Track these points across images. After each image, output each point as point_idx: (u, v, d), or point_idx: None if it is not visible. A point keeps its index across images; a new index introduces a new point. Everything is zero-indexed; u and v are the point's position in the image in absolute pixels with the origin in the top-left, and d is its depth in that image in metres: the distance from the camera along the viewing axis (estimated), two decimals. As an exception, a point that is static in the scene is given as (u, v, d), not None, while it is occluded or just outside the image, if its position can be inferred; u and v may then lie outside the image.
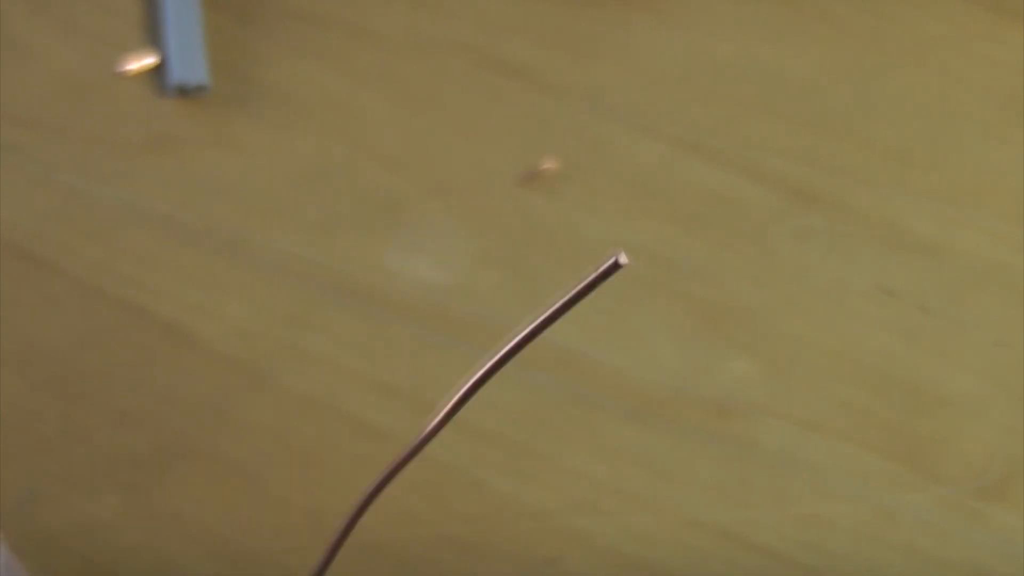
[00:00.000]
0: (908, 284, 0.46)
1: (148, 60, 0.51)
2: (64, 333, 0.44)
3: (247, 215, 0.47)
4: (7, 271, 0.45)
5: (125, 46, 0.51)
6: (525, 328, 0.28)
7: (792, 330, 0.45)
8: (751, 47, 0.53)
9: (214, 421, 0.42)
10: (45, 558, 0.39)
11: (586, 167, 0.49)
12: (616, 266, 0.26)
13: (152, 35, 0.52)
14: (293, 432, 0.42)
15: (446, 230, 0.47)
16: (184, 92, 0.50)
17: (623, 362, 0.44)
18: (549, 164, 0.49)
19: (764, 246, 0.47)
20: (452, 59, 0.52)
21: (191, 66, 0.50)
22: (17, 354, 0.43)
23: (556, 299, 0.28)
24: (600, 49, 0.53)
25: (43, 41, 0.52)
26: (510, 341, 0.28)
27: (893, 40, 0.54)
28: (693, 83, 0.52)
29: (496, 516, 0.41)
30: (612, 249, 0.26)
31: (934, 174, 0.50)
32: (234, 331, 0.44)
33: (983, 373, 0.44)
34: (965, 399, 0.44)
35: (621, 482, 0.41)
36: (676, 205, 0.48)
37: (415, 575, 0.40)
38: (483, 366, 0.28)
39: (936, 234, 0.48)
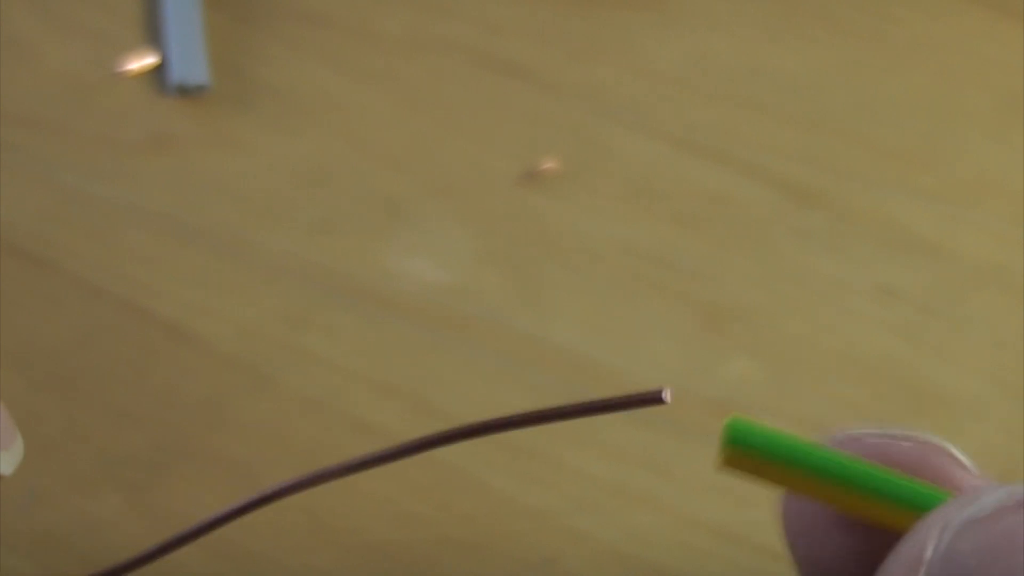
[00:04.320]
0: (908, 284, 0.46)
1: (148, 60, 0.51)
2: (64, 333, 0.44)
3: (247, 215, 0.47)
4: (7, 271, 0.45)
5: (125, 46, 0.51)
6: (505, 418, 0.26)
7: (792, 330, 0.45)
8: (751, 47, 0.53)
9: (214, 421, 0.42)
10: (45, 558, 0.39)
11: (586, 167, 0.49)
12: (659, 399, 0.25)
13: (152, 35, 0.52)
14: (293, 432, 0.42)
15: (446, 230, 0.47)
16: (184, 92, 0.50)
17: (623, 362, 0.44)
18: (549, 164, 0.49)
19: (764, 246, 0.47)
20: (452, 59, 0.52)
21: (191, 66, 0.50)
22: (17, 354, 0.43)
23: (575, 403, 0.26)
24: (600, 49, 0.53)
25: (43, 41, 0.52)
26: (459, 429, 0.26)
27: (893, 40, 0.54)
28: (693, 83, 0.52)
29: (496, 516, 0.41)
30: (663, 387, 0.24)
31: (934, 174, 0.50)
32: (234, 331, 0.44)
33: (983, 373, 0.44)
34: (965, 399, 0.44)
35: (621, 482, 0.41)
36: (676, 205, 0.48)
37: (415, 575, 0.40)
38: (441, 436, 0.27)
39: (936, 234, 0.48)
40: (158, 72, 0.51)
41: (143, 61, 0.51)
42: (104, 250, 0.46)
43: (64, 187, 0.48)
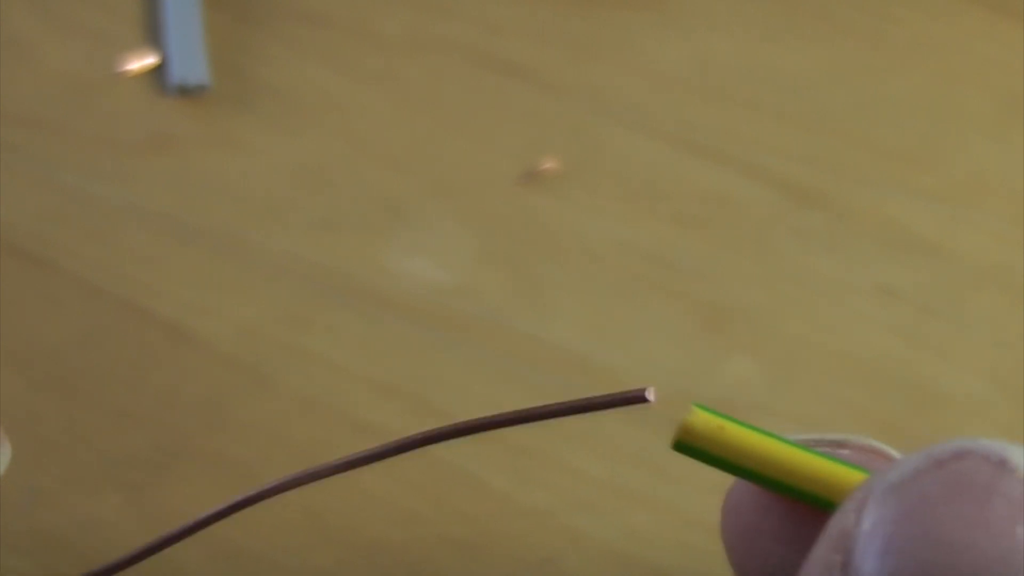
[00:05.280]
0: (908, 284, 0.46)
1: (148, 60, 0.51)
2: (64, 333, 0.44)
3: (247, 215, 0.47)
4: (7, 271, 0.45)
5: (125, 46, 0.51)
6: (487, 419, 0.27)
7: (792, 330, 0.45)
8: (751, 47, 0.53)
9: (214, 421, 0.42)
10: (45, 558, 0.39)
11: (586, 167, 0.49)
12: (643, 398, 0.26)
13: (152, 35, 0.52)
14: (293, 432, 0.42)
15: (446, 230, 0.47)
16: (184, 92, 0.50)
17: (623, 362, 0.44)
18: (549, 164, 0.49)
19: (764, 246, 0.47)
20: (452, 59, 0.52)
21: (191, 66, 0.51)
22: (17, 354, 0.43)
23: (561, 402, 0.27)
24: (600, 49, 0.53)
25: (43, 41, 0.52)
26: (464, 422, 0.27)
27: (893, 40, 0.54)
28: (693, 83, 0.52)
29: (496, 516, 0.41)
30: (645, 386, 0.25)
31: (934, 174, 0.50)
32: (234, 331, 0.44)
33: (983, 373, 0.44)
34: (965, 399, 0.44)
35: (621, 482, 0.41)
36: (676, 205, 0.48)
37: (414, 574, 0.40)
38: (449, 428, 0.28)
39: (936, 234, 0.48)
40: (158, 72, 0.51)
41: (143, 61, 0.51)
42: (104, 250, 0.46)
43: (64, 187, 0.48)
